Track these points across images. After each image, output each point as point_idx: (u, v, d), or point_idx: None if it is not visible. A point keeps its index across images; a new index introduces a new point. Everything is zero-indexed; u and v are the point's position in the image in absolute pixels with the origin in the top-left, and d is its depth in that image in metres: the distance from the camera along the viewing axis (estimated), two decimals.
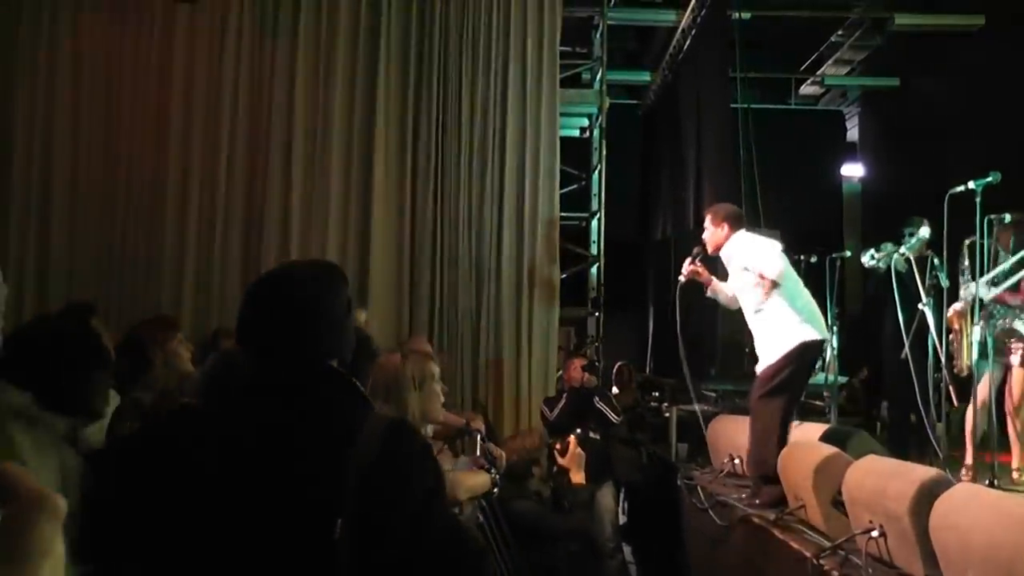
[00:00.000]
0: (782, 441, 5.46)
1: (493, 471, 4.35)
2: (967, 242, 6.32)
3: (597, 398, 7.60)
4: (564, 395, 7.83)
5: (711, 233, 5.86)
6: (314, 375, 2.07)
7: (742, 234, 5.81)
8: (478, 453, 4.66)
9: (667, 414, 8.14)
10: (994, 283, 6.12)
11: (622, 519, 7.55)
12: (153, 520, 1.95)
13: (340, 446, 1.92)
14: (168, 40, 8.71)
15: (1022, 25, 10.21)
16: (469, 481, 4.17)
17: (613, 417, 7.51)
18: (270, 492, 1.91)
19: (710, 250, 5.89)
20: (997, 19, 10.96)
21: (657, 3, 11.28)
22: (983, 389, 6.11)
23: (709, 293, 6.00)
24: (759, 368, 5.69)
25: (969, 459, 6.25)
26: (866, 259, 7.36)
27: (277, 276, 2.23)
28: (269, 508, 1.90)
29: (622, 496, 7.68)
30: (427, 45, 8.81)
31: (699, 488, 6.32)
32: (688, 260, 5.92)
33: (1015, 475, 6.30)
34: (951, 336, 6.45)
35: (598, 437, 7.19)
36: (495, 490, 4.36)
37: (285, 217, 8.56)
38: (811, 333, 5.53)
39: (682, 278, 5.95)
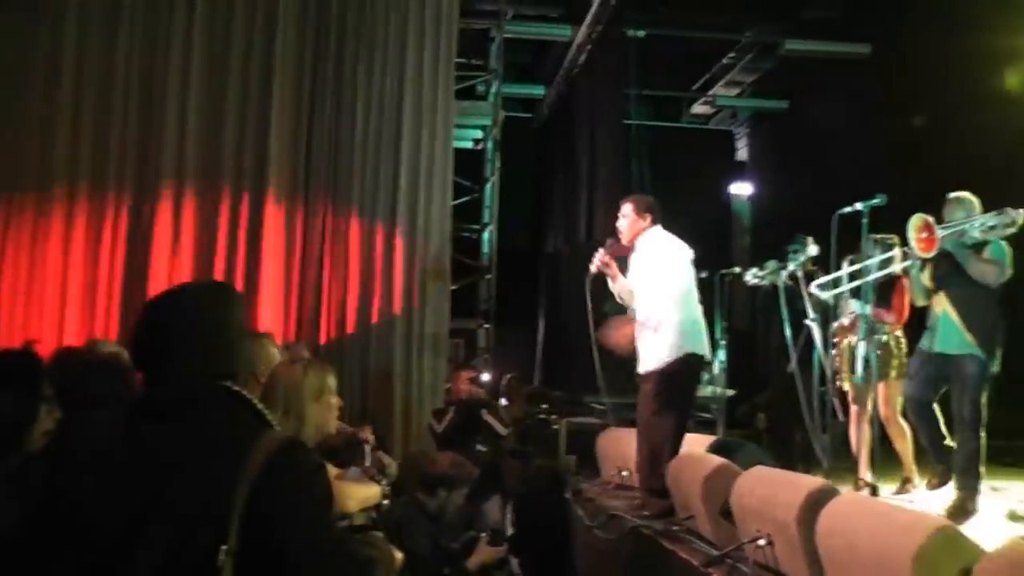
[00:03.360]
0: (673, 454, 5.50)
1: (384, 481, 4.28)
2: (847, 259, 6.50)
3: (485, 411, 7.56)
4: (452, 407, 7.77)
5: (631, 222, 5.82)
6: (207, 394, 2.05)
7: (659, 230, 5.85)
8: (368, 463, 4.59)
9: (556, 426, 8.15)
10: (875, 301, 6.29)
11: (509, 531, 7.52)
12: (35, 542, 1.94)
13: (230, 466, 1.91)
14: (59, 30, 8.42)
15: (906, 54, 10.59)
16: (359, 493, 4.10)
17: (501, 429, 7.47)
18: (151, 514, 1.88)
19: (626, 239, 5.83)
20: (882, 48, 11.34)
21: (553, 18, 11.36)
22: (865, 403, 6.32)
23: (613, 286, 5.99)
24: (640, 369, 5.72)
25: (862, 472, 6.43)
26: (749, 277, 7.50)
27: (170, 296, 2.20)
28: (150, 530, 1.88)
29: (509, 509, 7.65)
30: (323, 56, 8.71)
31: (588, 500, 6.32)
32: (601, 251, 5.90)
33: (906, 487, 6.51)
34: (835, 351, 6.62)
35: (486, 450, 7.15)
36: (385, 500, 4.30)
37: (176, 223, 8.35)
38: (697, 347, 5.60)
39: (593, 268, 5.91)
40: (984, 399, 5.92)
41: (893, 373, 6.61)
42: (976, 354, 5.88)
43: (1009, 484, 6.88)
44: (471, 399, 7.71)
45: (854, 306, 6.64)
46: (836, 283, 6.29)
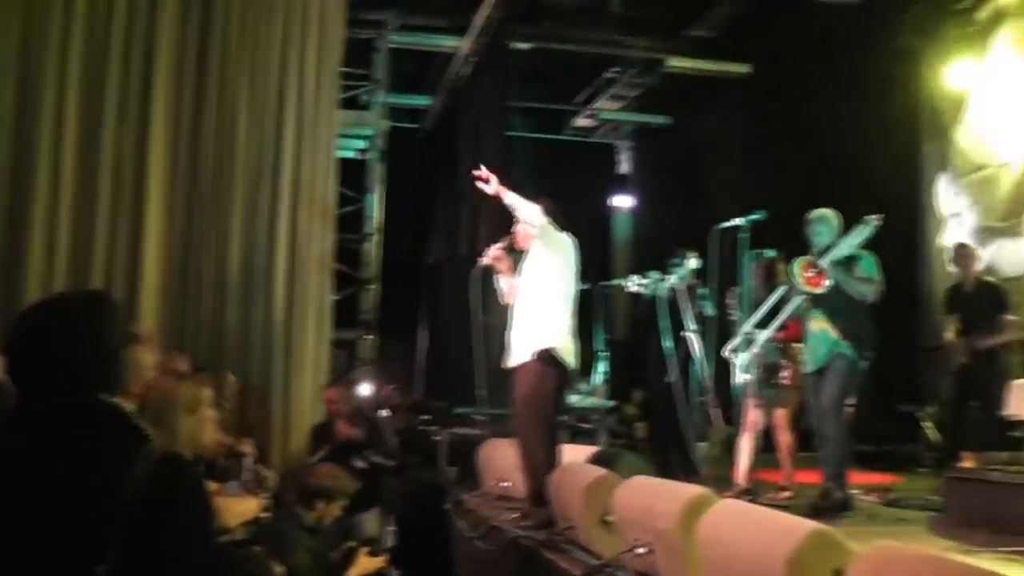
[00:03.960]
0: (551, 462, 5.53)
1: (263, 495, 4.21)
2: (737, 289, 6.69)
3: (370, 424, 7.49)
4: (335, 420, 7.67)
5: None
6: (84, 408, 1.98)
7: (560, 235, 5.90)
8: (247, 477, 4.50)
9: (437, 437, 8.12)
10: (762, 326, 6.44)
11: (390, 543, 7.46)
12: None
13: (108, 482, 1.85)
14: None
15: (786, 74, 10.91)
16: (238, 507, 4.03)
17: (385, 443, 7.42)
18: (26, 533, 1.82)
19: (520, 244, 5.91)
20: (763, 68, 11.66)
21: (439, 28, 11.35)
22: (754, 415, 6.51)
23: (500, 284, 6.00)
24: (509, 362, 5.75)
25: (740, 479, 6.61)
26: (631, 284, 7.62)
27: (47, 306, 2.14)
28: (25, 549, 1.81)
29: (389, 521, 7.59)
30: (204, 60, 8.51)
31: (469, 511, 6.31)
32: (497, 245, 5.90)
33: (781, 493, 6.68)
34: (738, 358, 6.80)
35: (367, 465, 7.09)
36: (265, 514, 4.22)
37: (51, 230, 8.05)
38: (566, 353, 5.64)
39: (485, 260, 5.91)
40: (850, 398, 6.15)
41: (785, 388, 6.77)
42: (844, 351, 6.11)
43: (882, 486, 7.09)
44: (356, 413, 7.63)
45: (739, 319, 6.79)
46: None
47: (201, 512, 2.01)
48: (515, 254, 5.95)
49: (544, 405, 5.58)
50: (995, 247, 9.23)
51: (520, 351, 5.66)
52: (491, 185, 5.71)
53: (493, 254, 5.85)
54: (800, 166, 10.44)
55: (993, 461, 6.45)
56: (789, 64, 10.96)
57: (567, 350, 5.66)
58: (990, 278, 7.33)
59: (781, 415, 6.78)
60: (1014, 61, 9.61)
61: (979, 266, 7.23)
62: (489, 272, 5.95)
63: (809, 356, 6.38)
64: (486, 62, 11.11)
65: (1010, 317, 6.91)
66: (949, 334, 7.09)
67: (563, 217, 5.87)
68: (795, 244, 6.51)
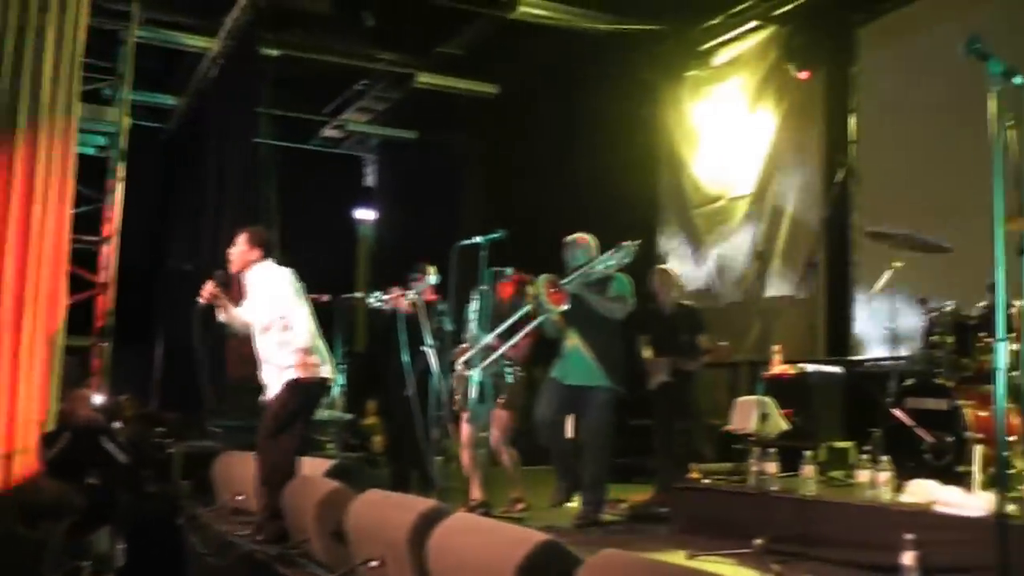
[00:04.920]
0: (288, 476, 5.55)
1: None
2: (473, 305, 6.91)
3: (104, 437, 7.22)
4: (66, 431, 7.33)
5: (241, 252, 5.90)
6: None
7: (269, 264, 5.92)
8: None
9: (171, 450, 7.93)
10: (501, 336, 6.68)
11: (121, 561, 7.22)
12: None
13: None
14: None
15: (531, 98, 11.30)
16: None
17: (121, 457, 7.18)
18: None
19: (235, 268, 5.93)
20: (510, 90, 12.02)
21: (188, 27, 11.06)
22: (466, 430, 6.75)
23: (223, 318, 5.97)
24: (268, 397, 5.78)
25: (476, 493, 6.82)
26: (372, 300, 7.72)
27: None
28: None
29: (121, 539, 7.35)
30: None
31: (203, 526, 6.22)
32: (210, 282, 5.87)
33: (516, 506, 6.92)
34: (454, 377, 6.97)
35: (98, 481, 6.84)
36: None
37: None
38: (316, 370, 5.71)
39: (202, 300, 5.87)
40: (611, 423, 6.50)
41: (505, 403, 7.02)
42: (605, 385, 6.45)
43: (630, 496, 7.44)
44: (89, 424, 7.33)
45: (475, 334, 7.00)
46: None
47: None
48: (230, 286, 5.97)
49: (290, 419, 5.62)
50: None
51: (273, 385, 5.71)
52: (218, 300, 5.79)
53: (209, 292, 5.83)
54: (542, 188, 10.85)
55: (717, 472, 6.94)
56: (534, 88, 11.37)
57: (320, 367, 5.72)
58: (687, 302, 7.85)
59: (498, 430, 7.03)
60: (743, 103, 10.42)
61: (676, 291, 7.73)
62: (211, 308, 5.92)
63: (566, 368, 6.67)
64: (234, 66, 10.93)
65: (704, 337, 7.45)
66: (646, 353, 7.54)
67: (275, 244, 5.99)
68: (533, 264, 6.79)
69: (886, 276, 6.36)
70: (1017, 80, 4.02)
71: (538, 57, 10.81)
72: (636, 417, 7.96)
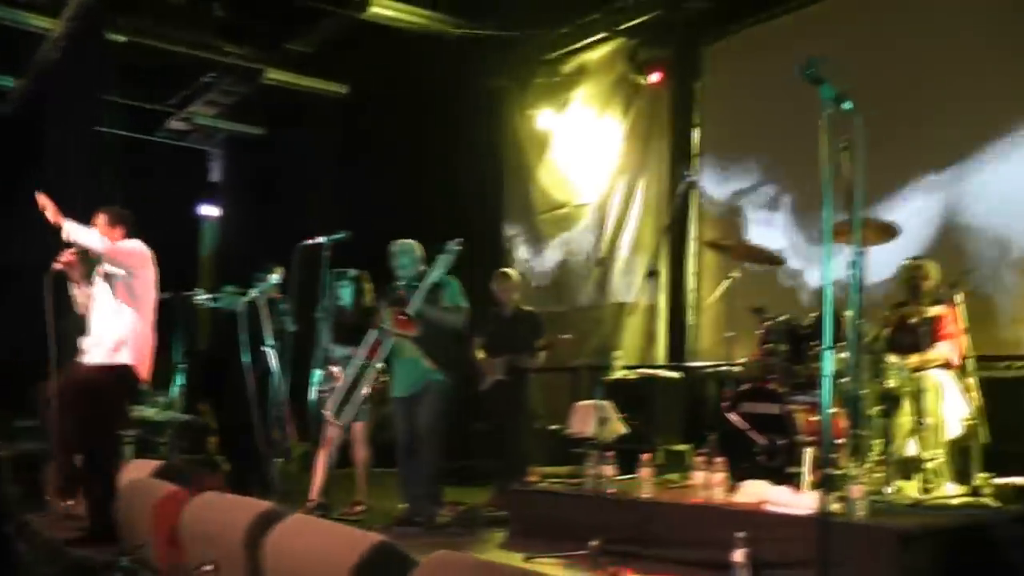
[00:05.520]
0: (113, 474, 5.44)
1: None
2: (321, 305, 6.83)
3: None
4: None
5: (100, 231, 5.79)
6: None
7: (129, 241, 5.83)
8: None
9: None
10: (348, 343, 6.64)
11: None
12: None
13: None
14: None
15: (380, 99, 11.24)
16: None
17: None
18: None
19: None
20: (359, 90, 11.93)
21: (29, 5, 10.57)
22: (332, 431, 6.68)
23: (74, 290, 5.82)
24: (84, 359, 5.61)
25: (315, 495, 6.74)
26: (205, 300, 7.57)
27: None
28: None
29: None
30: None
31: (35, 533, 5.98)
32: (70, 250, 5.68)
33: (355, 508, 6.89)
34: (326, 379, 6.90)
35: None
36: None
37: None
38: (138, 361, 5.61)
39: (57, 265, 5.68)
40: (446, 417, 6.50)
41: (367, 406, 6.97)
42: (436, 379, 6.44)
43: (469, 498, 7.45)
44: None
45: (337, 350, 6.93)
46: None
47: None
48: (90, 261, 5.79)
49: (110, 418, 5.48)
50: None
51: (92, 357, 5.54)
52: (49, 212, 5.55)
53: (65, 259, 5.67)
54: (390, 191, 10.80)
55: (556, 475, 7.03)
56: (384, 89, 11.31)
57: (140, 359, 5.60)
58: (528, 307, 7.95)
59: (359, 429, 6.99)
60: (590, 113, 10.61)
61: (518, 295, 7.83)
62: (63, 277, 5.74)
63: (400, 381, 6.65)
64: (78, 50, 10.52)
65: (543, 342, 7.55)
66: (479, 354, 7.61)
67: (134, 223, 5.84)
68: (378, 266, 6.76)
69: (724, 285, 6.57)
70: (847, 106, 4.22)
71: (389, 58, 10.75)
72: (474, 419, 8.00)
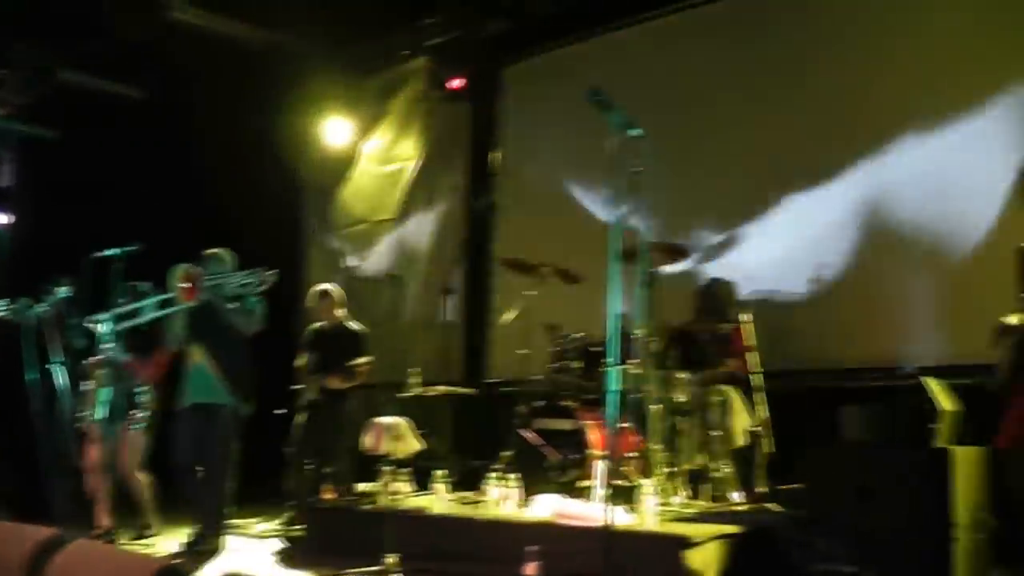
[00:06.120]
0: None
1: None
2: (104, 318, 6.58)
3: None
4: None
5: None
6: None
7: None
8: None
9: None
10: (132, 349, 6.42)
11: None
12: None
13: None
14: None
15: (183, 104, 10.94)
16: None
17: None
18: None
19: None
20: (161, 95, 11.60)
21: None
22: (95, 452, 6.46)
23: None
24: None
25: (102, 519, 6.49)
26: None
27: None
28: None
29: None
30: None
31: None
32: None
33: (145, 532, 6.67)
34: (82, 394, 6.64)
35: None
36: None
37: None
38: None
39: None
40: (234, 444, 6.37)
41: (137, 426, 6.76)
42: (228, 403, 6.32)
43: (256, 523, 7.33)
44: None
45: (108, 350, 6.67)
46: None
47: None
48: None
49: None
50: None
51: None
52: None
53: None
54: (190, 201, 10.53)
55: (352, 492, 7.00)
56: (187, 96, 11.02)
57: None
58: (352, 324, 7.92)
59: (132, 455, 6.78)
60: (392, 129, 10.64)
61: (340, 311, 7.80)
62: None
63: (190, 389, 6.47)
64: None
65: (362, 360, 7.53)
66: (306, 372, 7.56)
67: None
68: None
69: (520, 303, 6.70)
70: (633, 132, 4.39)
71: (193, 64, 10.49)
72: (271, 439, 7.89)
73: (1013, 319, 5.32)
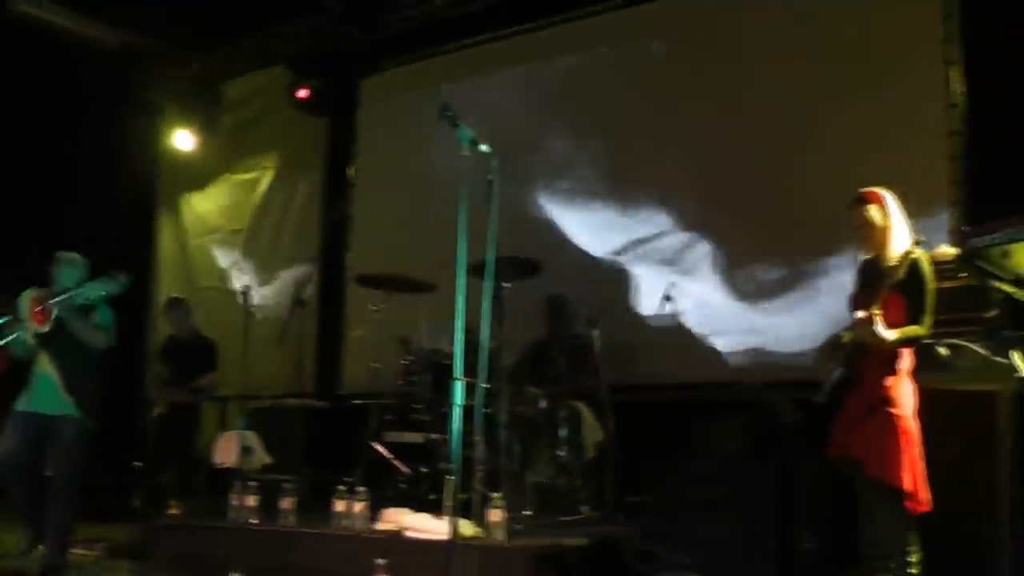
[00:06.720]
0: None
1: None
2: None
3: None
4: None
5: None
6: None
7: None
8: None
9: None
10: None
11: None
12: None
13: None
14: None
15: (28, 103, 10.55)
16: None
17: None
18: None
19: None
20: (5, 92, 11.18)
21: None
22: None
23: None
24: None
25: None
26: None
27: None
28: None
29: None
30: None
31: None
32: None
33: None
34: None
35: None
36: None
37: None
38: None
39: None
40: (81, 458, 6.16)
41: None
42: (75, 415, 6.12)
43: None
44: None
45: None
46: None
47: None
48: None
49: None
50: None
51: None
52: None
53: None
54: (32, 203, 10.15)
55: (199, 507, 6.85)
56: (31, 95, 10.63)
57: None
58: (207, 334, 7.78)
59: None
60: (247, 137, 10.50)
61: (194, 321, 7.67)
62: None
63: (35, 397, 6.24)
64: None
65: (213, 373, 7.41)
66: (159, 384, 7.41)
67: None
68: (20, 284, 6.35)
69: (370, 316, 6.69)
70: (483, 148, 4.46)
71: (40, 62, 10.12)
72: (120, 452, 7.69)
73: (846, 336, 5.53)
